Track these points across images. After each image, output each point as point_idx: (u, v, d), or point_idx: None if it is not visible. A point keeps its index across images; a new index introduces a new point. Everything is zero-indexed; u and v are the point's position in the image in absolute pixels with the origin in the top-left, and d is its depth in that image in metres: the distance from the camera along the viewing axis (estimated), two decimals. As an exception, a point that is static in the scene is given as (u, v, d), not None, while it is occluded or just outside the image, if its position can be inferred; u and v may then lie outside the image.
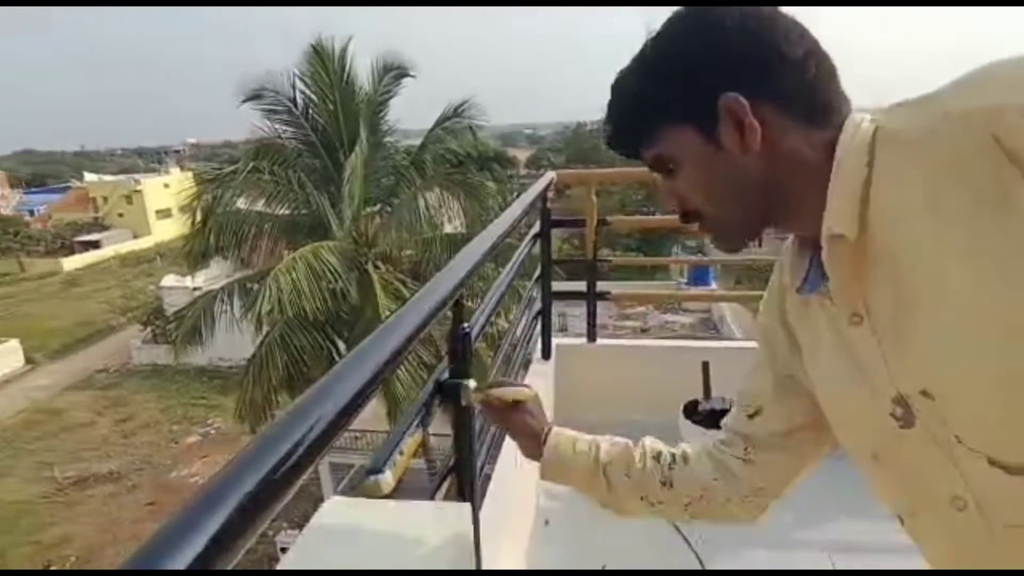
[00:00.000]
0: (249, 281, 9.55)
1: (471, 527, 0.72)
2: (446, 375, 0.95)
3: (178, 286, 19.04)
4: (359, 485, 0.70)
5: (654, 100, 0.61)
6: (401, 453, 0.76)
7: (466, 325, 0.93)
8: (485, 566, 0.94)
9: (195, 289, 14.41)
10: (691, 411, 2.09)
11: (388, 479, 0.70)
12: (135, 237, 36.17)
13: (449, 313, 0.93)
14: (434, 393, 0.90)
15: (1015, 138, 0.45)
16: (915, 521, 0.61)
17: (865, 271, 0.54)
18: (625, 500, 0.85)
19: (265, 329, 8.77)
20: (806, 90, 0.57)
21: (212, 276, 13.75)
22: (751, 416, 0.78)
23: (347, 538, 0.63)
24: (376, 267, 9.24)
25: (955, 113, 0.49)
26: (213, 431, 16.62)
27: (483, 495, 1.36)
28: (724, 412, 2.17)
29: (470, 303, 1.32)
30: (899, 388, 0.54)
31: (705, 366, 2.15)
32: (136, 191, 37.26)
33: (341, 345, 9.53)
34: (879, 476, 0.62)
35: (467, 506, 0.73)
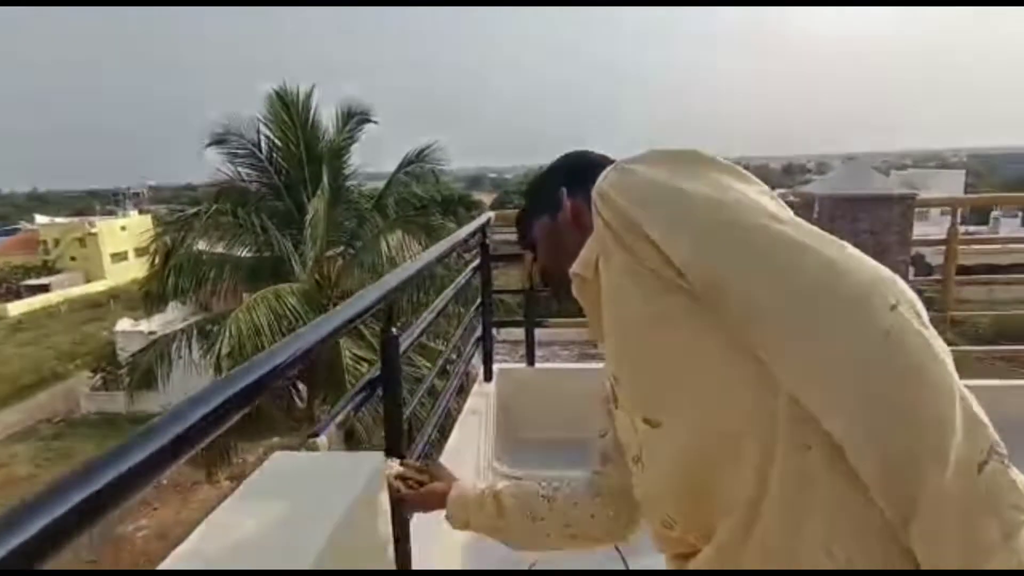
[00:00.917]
0: (208, 323, 9.50)
1: (382, 468, 0.93)
2: (377, 373, 1.17)
3: (133, 330, 18.56)
4: (302, 445, 0.91)
5: (535, 205, 0.94)
6: (337, 427, 0.98)
7: (394, 330, 1.15)
8: (425, 564, 1.12)
9: (150, 333, 14.09)
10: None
11: (324, 442, 0.91)
12: (88, 281, 35.12)
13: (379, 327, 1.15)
14: (365, 385, 1.12)
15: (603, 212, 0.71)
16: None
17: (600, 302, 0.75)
18: (513, 523, 0.94)
19: (224, 372, 8.70)
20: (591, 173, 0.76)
21: (168, 320, 13.53)
22: (602, 436, 0.96)
23: (283, 480, 0.84)
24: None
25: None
26: (164, 480, 15.98)
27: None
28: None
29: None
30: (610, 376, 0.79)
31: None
32: (91, 234, 36.39)
33: (302, 387, 9.50)
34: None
35: (379, 454, 0.93)
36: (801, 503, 0.60)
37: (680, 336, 0.65)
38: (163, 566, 0.68)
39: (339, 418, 0.97)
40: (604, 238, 0.70)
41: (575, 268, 0.77)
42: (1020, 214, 32.84)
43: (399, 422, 1.18)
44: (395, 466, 0.97)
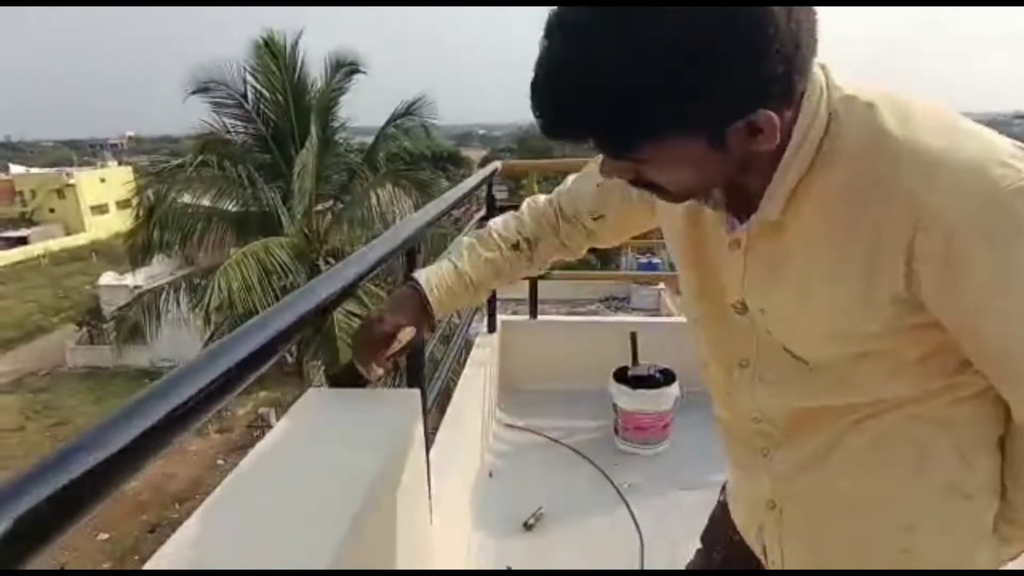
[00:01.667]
0: (196, 277, 9.39)
1: (420, 406, 0.93)
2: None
3: (117, 284, 18.33)
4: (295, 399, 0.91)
5: (669, 102, 0.50)
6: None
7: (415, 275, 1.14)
8: (435, 507, 1.14)
9: (135, 288, 13.91)
10: (621, 376, 2.35)
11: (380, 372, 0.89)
12: (67, 233, 34.38)
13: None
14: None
15: (921, 249, 0.53)
16: (707, 370, 0.81)
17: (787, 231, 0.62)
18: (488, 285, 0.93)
19: (213, 327, 8.65)
20: (797, 83, 0.54)
21: (153, 274, 13.35)
22: (595, 219, 0.92)
23: (320, 419, 0.84)
24: (328, 263, 9.24)
25: (902, 185, 0.53)
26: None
27: (435, 432, 1.57)
28: (650, 376, 2.44)
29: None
30: (746, 299, 0.69)
31: (633, 336, 2.42)
32: (69, 185, 35.41)
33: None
34: (695, 332, 0.80)
35: (416, 391, 0.94)
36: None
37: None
38: (209, 500, 0.68)
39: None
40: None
41: (771, 215, 0.61)
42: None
43: (420, 364, 1.18)
44: (380, 372, 0.91)
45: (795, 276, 0.63)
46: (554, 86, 0.52)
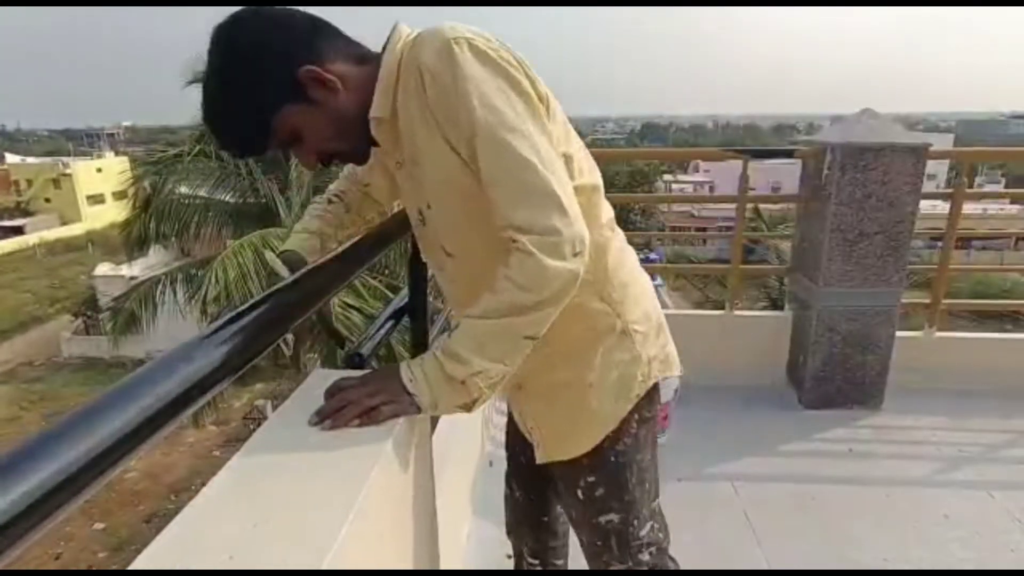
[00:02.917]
0: (193, 268, 9.36)
1: None
2: (406, 300, 1.15)
3: (114, 275, 18.26)
4: (342, 363, 0.90)
5: (256, 102, 0.79)
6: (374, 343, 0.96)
7: (423, 256, 1.13)
8: (438, 494, 1.14)
9: (132, 278, 13.86)
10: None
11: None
12: (63, 223, 34.23)
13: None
14: (398, 309, 1.10)
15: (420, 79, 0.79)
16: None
17: (399, 135, 0.85)
18: (344, 230, 1.17)
19: (209, 318, 8.62)
20: (340, 45, 0.83)
21: (150, 265, 13.30)
22: (365, 185, 1.19)
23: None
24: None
25: (412, 57, 0.80)
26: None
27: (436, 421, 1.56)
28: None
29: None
30: (418, 204, 0.91)
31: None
32: (65, 174, 35.22)
33: (288, 335, 9.48)
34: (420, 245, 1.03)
35: None
36: None
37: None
38: (216, 479, 0.67)
39: (377, 339, 0.96)
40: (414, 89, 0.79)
41: (376, 112, 0.83)
42: (1003, 179, 33.22)
43: (425, 345, 1.18)
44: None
45: (420, 157, 0.84)
46: (214, 134, 0.85)
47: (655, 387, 0.97)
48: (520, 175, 0.75)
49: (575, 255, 0.76)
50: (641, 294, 0.98)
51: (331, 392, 0.81)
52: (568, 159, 0.84)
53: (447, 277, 0.97)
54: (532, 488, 1.24)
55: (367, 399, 0.79)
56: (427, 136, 0.80)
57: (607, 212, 0.96)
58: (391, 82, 0.82)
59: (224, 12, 0.78)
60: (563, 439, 0.99)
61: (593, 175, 0.92)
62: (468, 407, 0.81)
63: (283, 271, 1.00)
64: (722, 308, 2.97)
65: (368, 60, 0.84)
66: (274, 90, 0.79)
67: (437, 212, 0.88)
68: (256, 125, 0.80)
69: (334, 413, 0.78)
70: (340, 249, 0.91)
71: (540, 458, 1.03)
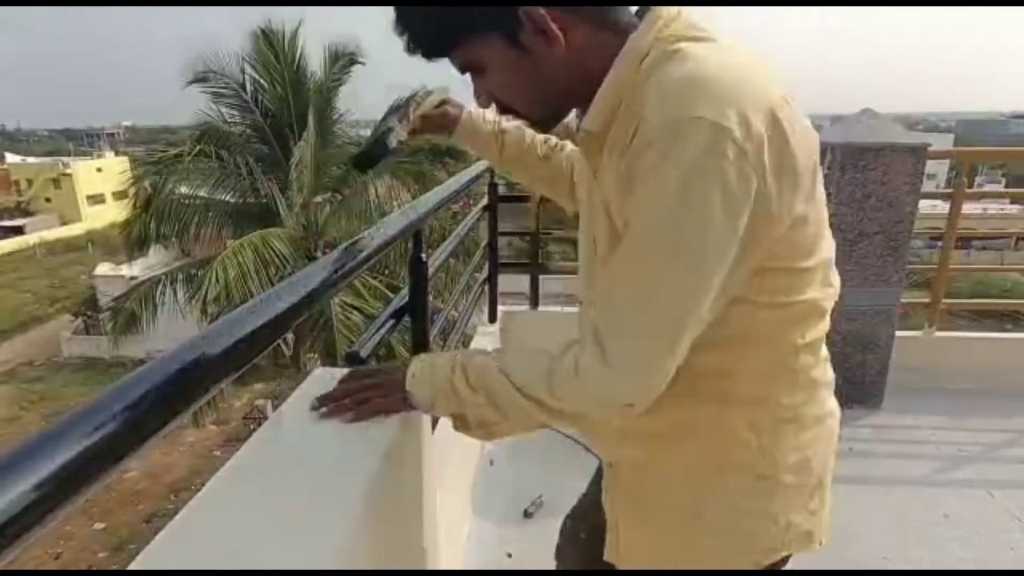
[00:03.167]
0: (194, 268, 9.36)
1: None
2: (406, 300, 1.15)
3: (114, 275, 18.25)
4: (342, 362, 0.90)
5: (458, 12, 0.65)
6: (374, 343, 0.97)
7: (423, 255, 1.13)
8: (438, 494, 1.14)
9: (132, 278, 13.85)
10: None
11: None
12: (64, 223, 34.20)
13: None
14: (398, 309, 1.10)
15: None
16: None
17: (600, 151, 0.70)
18: (509, 162, 1.02)
19: (209, 318, 8.62)
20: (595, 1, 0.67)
21: (150, 265, 13.30)
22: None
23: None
24: (325, 255, 9.21)
25: (638, 112, 0.63)
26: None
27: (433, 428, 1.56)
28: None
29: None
30: (593, 232, 0.76)
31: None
32: (65, 174, 35.19)
33: (288, 334, 9.48)
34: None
35: None
36: None
37: None
38: (218, 476, 0.67)
39: (376, 338, 0.97)
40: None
41: (588, 125, 0.68)
42: (1003, 179, 33.19)
43: (425, 345, 1.18)
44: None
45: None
46: (401, 17, 0.68)
47: (784, 561, 0.79)
48: (647, 303, 0.61)
49: (625, 405, 0.65)
50: (812, 438, 0.80)
51: (342, 381, 0.82)
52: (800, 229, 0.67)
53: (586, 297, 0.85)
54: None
55: (362, 392, 0.79)
56: (612, 180, 0.67)
57: (818, 326, 0.77)
58: (615, 101, 0.66)
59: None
60: (643, 555, 0.83)
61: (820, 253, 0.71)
62: (458, 420, 0.76)
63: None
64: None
65: (612, 27, 0.67)
66: (487, 12, 0.64)
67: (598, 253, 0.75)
68: (446, 35, 0.67)
69: (330, 402, 0.79)
70: (340, 249, 0.90)
71: (610, 556, 0.86)
